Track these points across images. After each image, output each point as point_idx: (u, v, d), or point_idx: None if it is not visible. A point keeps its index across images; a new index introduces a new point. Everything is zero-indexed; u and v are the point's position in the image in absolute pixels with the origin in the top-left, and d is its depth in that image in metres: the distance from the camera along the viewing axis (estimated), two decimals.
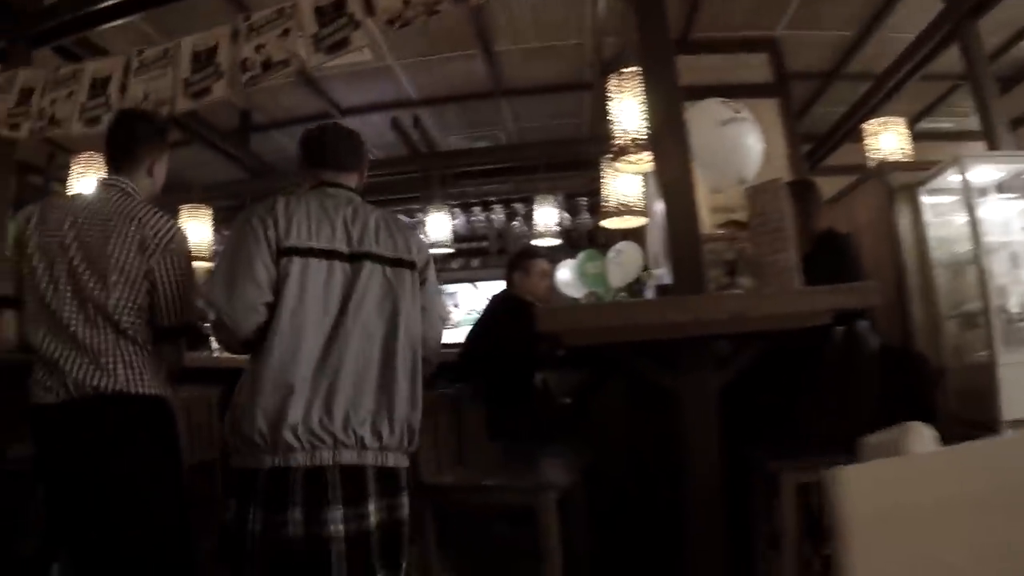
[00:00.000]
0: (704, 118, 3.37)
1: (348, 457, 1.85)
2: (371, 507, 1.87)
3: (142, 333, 2.13)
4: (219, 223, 6.99)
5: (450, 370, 3.48)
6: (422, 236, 6.18)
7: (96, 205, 2.17)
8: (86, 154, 4.46)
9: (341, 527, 1.80)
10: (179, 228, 2.22)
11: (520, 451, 3.14)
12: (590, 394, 3.80)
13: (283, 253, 1.89)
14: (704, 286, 2.60)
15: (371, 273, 1.97)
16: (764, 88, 5.80)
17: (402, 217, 7.87)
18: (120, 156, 2.30)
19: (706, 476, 2.26)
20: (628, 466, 3.29)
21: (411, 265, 2.07)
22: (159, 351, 2.18)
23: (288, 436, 1.79)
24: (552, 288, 4.15)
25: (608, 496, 3.21)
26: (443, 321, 2.33)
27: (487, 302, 4.10)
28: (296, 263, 1.90)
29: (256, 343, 1.89)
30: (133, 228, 2.11)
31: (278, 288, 1.88)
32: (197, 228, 5.81)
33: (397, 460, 1.97)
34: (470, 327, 4.05)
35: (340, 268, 1.95)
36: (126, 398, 2.05)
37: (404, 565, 1.99)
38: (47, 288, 2.09)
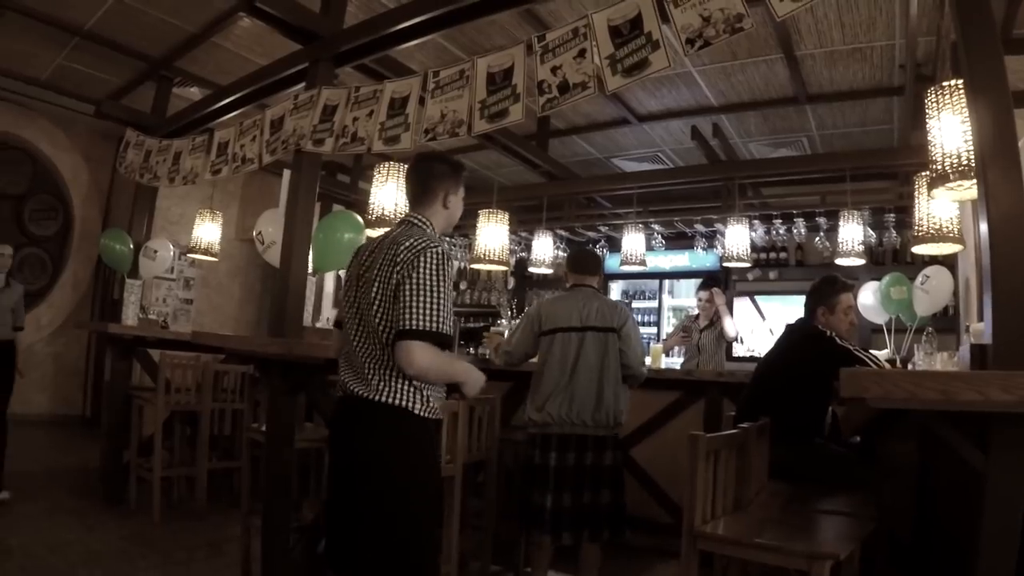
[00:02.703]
0: None
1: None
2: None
3: None
4: (516, 224, 7.24)
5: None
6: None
7: (383, 240, 2.49)
8: (385, 163, 4.68)
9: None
10: (432, 248, 2.32)
11: (802, 497, 3.01)
12: (879, 433, 3.48)
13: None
14: None
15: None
16: None
17: (699, 227, 7.73)
18: (419, 193, 2.61)
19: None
20: (914, 535, 2.97)
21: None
22: (391, 353, 2.30)
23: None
24: (855, 322, 3.88)
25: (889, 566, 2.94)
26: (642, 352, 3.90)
27: (784, 333, 3.91)
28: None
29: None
30: (393, 249, 2.35)
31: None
32: (494, 232, 6.02)
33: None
34: (763, 357, 3.97)
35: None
36: (373, 405, 2.32)
37: None
38: (347, 311, 2.49)
